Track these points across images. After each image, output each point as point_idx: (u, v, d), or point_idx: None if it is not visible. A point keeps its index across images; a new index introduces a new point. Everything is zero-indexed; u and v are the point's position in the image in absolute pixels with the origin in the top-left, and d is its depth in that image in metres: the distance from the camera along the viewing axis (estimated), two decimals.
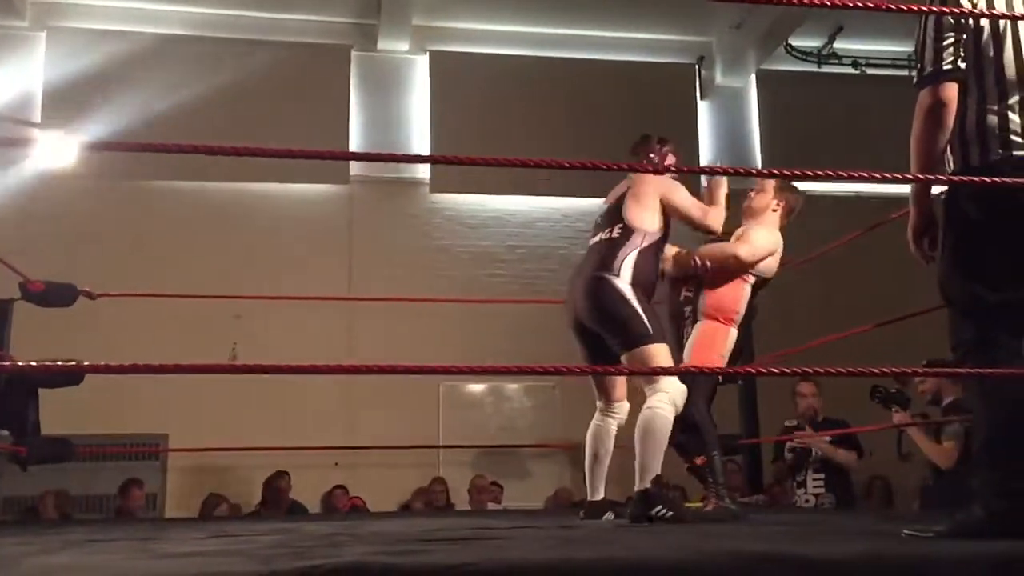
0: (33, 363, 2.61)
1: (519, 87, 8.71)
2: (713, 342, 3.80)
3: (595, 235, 3.65)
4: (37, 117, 7.88)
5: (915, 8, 2.36)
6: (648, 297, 3.47)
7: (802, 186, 4.15)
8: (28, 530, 3.69)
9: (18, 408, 4.34)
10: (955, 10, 2.30)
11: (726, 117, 9.38)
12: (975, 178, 2.23)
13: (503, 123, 8.47)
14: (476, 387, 8.41)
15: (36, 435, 4.44)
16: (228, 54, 8.21)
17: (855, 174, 2.37)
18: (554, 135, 8.37)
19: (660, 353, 3.33)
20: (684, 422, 3.55)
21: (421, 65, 8.89)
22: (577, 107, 8.71)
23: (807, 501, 5.43)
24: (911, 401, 5.05)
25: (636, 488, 3.24)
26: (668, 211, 3.60)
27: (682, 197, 3.62)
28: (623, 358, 3.37)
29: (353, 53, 8.76)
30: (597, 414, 3.67)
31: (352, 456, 7.21)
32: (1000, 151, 2.25)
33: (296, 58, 8.45)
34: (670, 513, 3.14)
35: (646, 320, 3.34)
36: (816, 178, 2.40)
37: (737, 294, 3.87)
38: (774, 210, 3.99)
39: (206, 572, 1.54)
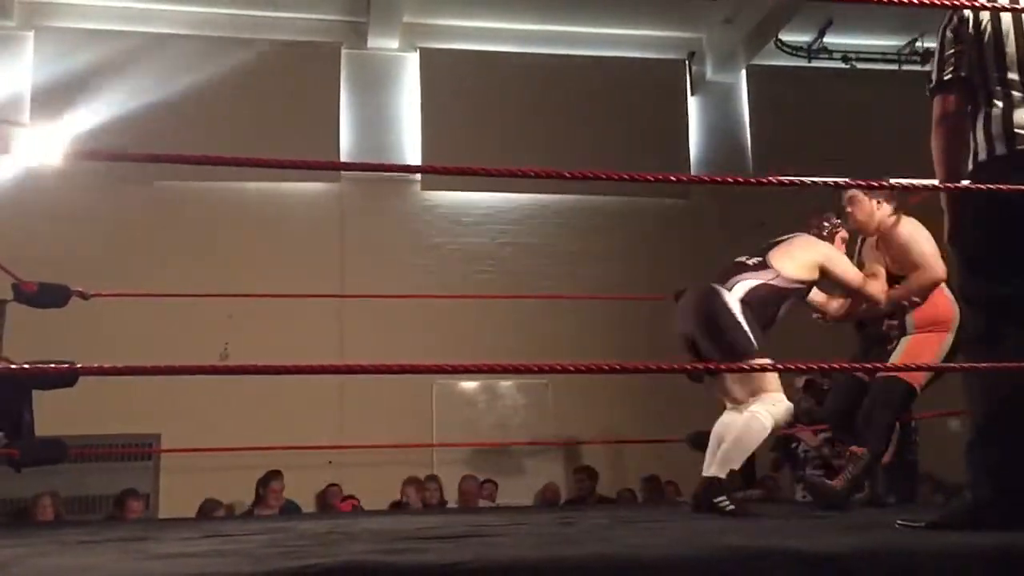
0: (27, 364, 2.59)
1: (510, 84, 8.71)
2: (920, 352, 3.68)
3: (736, 257, 3.67)
4: (26, 117, 7.85)
5: (904, 0, 2.42)
6: (760, 322, 3.43)
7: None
8: (22, 532, 3.68)
9: (12, 410, 4.32)
10: (945, 1, 2.35)
11: (717, 112, 9.40)
12: (964, 184, 2.30)
13: (494, 120, 8.47)
14: (469, 385, 8.41)
15: (30, 437, 4.42)
16: (217, 52, 8.18)
17: (854, 182, 2.41)
18: (545, 132, 8.38)
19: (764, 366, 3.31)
20: (861, 411, 3.62)
21: (411, 62, 8.88)
22: (568, 103, 8.71)
23: (805, 496, 5.45)
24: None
25: (707, 473, 3.29)
26: (829, 278, 3.64)
27: (844, 267, 3.66)
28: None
29: (343, 51, 8.74)
30: (727, 411, 3.61)
31: (345, 455, 7.20)
32: (1006, 146, 2.31)
33: (286, 56, 8.43)
34: (731, 506, 3.17)
35: (751, 334, 3.33)
36: (805, 186, 2.43)
37: (943, 300, 3.73)
38: (891, 215, 3.84)
39: (201, 573, 1.54)
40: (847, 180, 2.48)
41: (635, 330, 7.49)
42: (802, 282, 3.60)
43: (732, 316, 3.36)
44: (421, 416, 7.99)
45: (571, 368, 2.17)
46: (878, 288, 3.72)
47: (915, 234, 3.79)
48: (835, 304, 4.00)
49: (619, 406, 7.86)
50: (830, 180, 3.31)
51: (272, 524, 3.68)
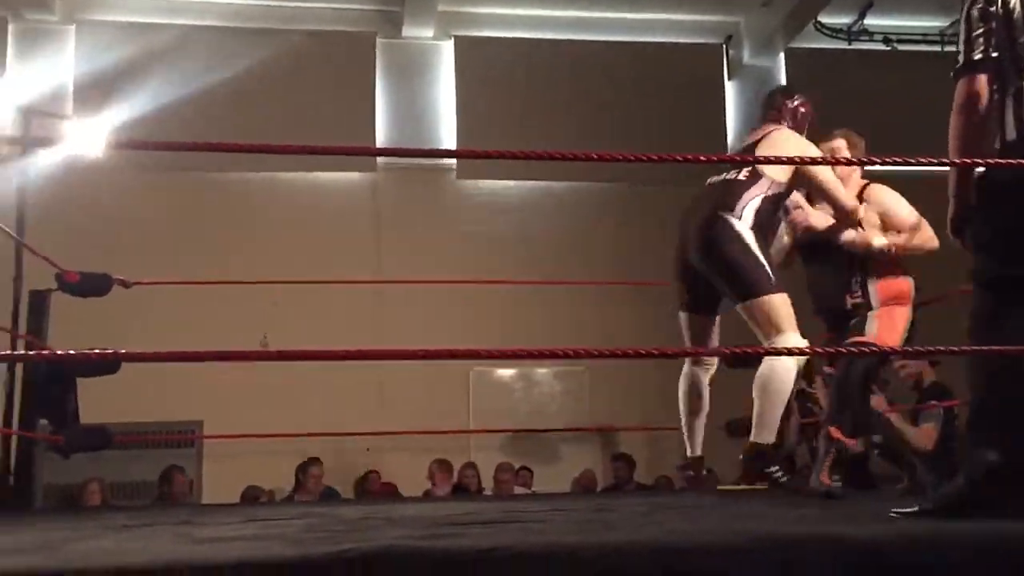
0: (72, 352, 2.65)
1: (545, 71, 8.68)
2: (894, 325, 3.66)
3: (715, 176, 3.44)
4: (68, 109, 7.97)
5: None
6: (767, 244, 3.28)
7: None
8: (69, 516, 3.76)
9: (57, 397, 4.41)
10: None
11: (754, 97, 9.28)
12: (1000, 160, 2.25)
13: (529, 107, 8.46)
14: (506, 372, 8.43)
15: (75, 424, 4.51)
16: (255, 43, 8.26)
17: (880, 159, 2.37)
18: (581, 118, 8.35)
19: (781, 303, 3.16)
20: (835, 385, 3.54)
21: (446, 51, 8.88)
22: (604, 90, 8.67)
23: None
24: (889, 384, 5.01)
25: (752, 439, 3.13)
26: (805, 177, 3.38)
27: (823, 166, 3.41)
28: (739, 307, 3.23)
29: (378, 40, 8.78)
30: (687, 365, 3.51)
31: (383, 441, 7.27)
32: None
33: (322, 46, 8.48)
34: (785, 476, 3.04)
35: (768, 268, 3.14)
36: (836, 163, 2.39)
37: (903, 275, 3.74)
38: (863, 181, 3.80)
39: (243, 557, 1.56)
40: (877, 157, 2.43)
41: (671, 316, 7.45)
42: (788, 184, 3.39)
43: (748, 250, 3.16)
44: (458, 403, 8.03)
45: (607, 353, 2.17)
46: (852, 200, 3.54)
47: (897, 198, 3.75)
48: (818, 213, 3.72)
49: (656, 393, 7.81)
50: (864, 159, 3.26)
51: (311, 509, 3.72)
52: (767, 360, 3.15)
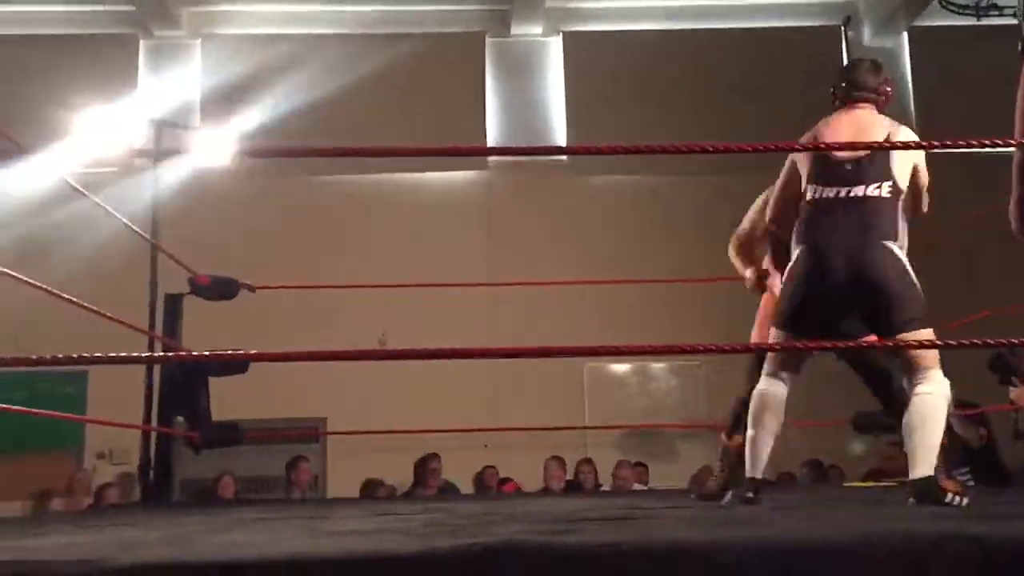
0: (205, 353, 2.78)
1: (655, 62, 8.58)
2: None
3: (849, 185, 3.06)
4: (196, 120, 8.35)
5: None
6: None
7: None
8: (202, 510, 3.94)
9: (191, 396, 4.64)
10: None
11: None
12: None
13: (639, 100, 8.37)
14: (620, 367, 8.37)
15: (207, 420, 4.73)
16: (368, 49, 8.46)
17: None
18: (693, 109, 8.22)
19: (932, 339, 2.99)
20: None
21: (555, 47, 8.89)
22: (716, 79, 8.51)
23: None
24: None
25: (919, 474, 2.87)
26: (916, 182, 3.15)
27: (925, 170, 3.17)
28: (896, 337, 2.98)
29: (487, 39, 8.86)
30: (768, 379, 3.16)
31: (500, 438, 7.33)
32: None
33: (433, 48, 8.62)
34: (965, 501, 2.80)
35: (923, 299, 2.99)
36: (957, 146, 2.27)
37: None
38: None
39: (370, 550, 1.60)
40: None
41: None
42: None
43: (913, 279, 2.98)
44: (573, 399, 8.03)
45: (726, 348, 2.13)
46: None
47: None
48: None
49: None
50: (998, 139, 3.05)
51: (434, 504, 3.78)
52: (924, 391, 2.93)
